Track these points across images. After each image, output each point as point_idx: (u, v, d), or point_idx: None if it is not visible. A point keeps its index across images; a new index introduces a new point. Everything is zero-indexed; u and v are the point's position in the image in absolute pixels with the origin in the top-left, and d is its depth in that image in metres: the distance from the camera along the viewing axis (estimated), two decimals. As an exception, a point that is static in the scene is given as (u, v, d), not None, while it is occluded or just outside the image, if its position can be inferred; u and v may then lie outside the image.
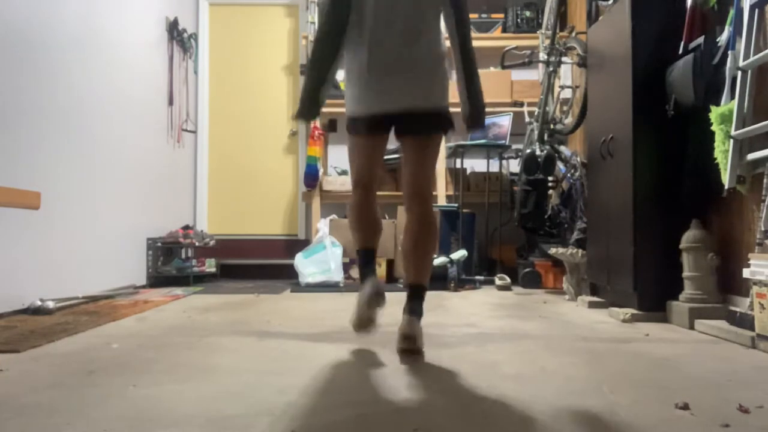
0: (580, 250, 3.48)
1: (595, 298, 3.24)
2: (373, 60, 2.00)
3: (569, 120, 4.06)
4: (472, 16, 5.29)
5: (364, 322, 2.06)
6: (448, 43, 2.12)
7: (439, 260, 4.12)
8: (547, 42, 4.29)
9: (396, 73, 2.00)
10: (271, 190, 5.51)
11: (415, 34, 2.01)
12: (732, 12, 2.47)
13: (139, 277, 4.22)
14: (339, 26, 2.02)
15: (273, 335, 2.38)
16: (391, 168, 4.76)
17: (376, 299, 2.04)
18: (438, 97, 2.06)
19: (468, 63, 2.07)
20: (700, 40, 2.59)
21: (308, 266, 4.38)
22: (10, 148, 2.82)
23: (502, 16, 5.29)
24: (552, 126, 4.21)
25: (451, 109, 2.10)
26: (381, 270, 4.43)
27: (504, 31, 5.25)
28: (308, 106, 2.08)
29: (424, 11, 2.03)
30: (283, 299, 3.63)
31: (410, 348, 1.92)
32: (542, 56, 4.33)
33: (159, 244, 4.45)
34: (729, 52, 2.43)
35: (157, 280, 4.36)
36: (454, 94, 2.09)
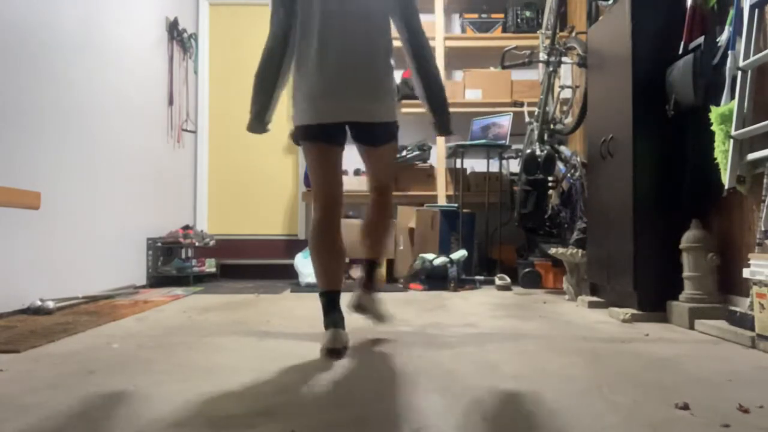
0: (580, 250, 3.47)
1: (595, 298, 3.24)
2: (323, 65, 2.03)
3: (569, 120, 4.07)
4: (473, 16, 5.32)
5: (339, 351, 1.98)
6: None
7: (439, 260, 4.12)
8: (547, 42, 4.29)
9: (345, 84, 2.04)
10: (271, 190, 5.51)
11: (368, 48, 2.07)
12: (732, 12, 2.47)
13: (139, 277, 4.22)
14: (282, 40, 2.09)
15: (273, 335, 2.38)
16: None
17: (335, 355, 1.94)
18: (389, 112, 2.12)
19: (425, 75, 2.14)
20: (700, 40, 2.59)
21: (308, 266, 4.36)
22: (10, 148, 2.82)
23: (502, 16, 5.29)
24: (552, 126, 4.21)
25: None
26: (381, 270, 4.43)
27: (504, 31, 5.25)
28: (256, 125, 2.22)
29: (372, 24, 2.08)
30: (283, 299, 3.63)
31: (357, 312, 2.22)
32: (542, 56, 4.33)
33: (159, 244, 4.45)
34: (729, 52, 2.43)
35: (157, 280, 4.36)
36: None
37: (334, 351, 1.95)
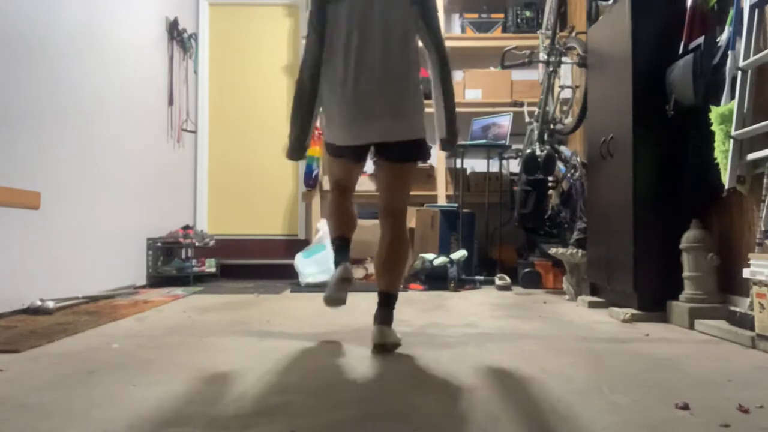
0: (580, 250, 3.47)
1: (595, 298, 3.24)
2: (347, 83, 2.06)
3: (569, 120, 4.06)
4: (473, 16, 5.32)
5: (335, 300, 2.18)
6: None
7: (439, 260, 4.12)
8: (547, 42, 4.29)
9: (374, 107, 2.06)
10: (271, 190, 5.51)
11: (392, 67, 2.07)
12: (732, 12, 2.47)
13: (139, 277, 4.22)
14: (316, 68, 2.12)
15: (273, 335, 2.38)
16: None
17: (343, 284, 2.18)
18: (416, 130, 2.13)
19: (447, 88, 2.16)
20: (700, 40, 2.59)
21: (308, 266, 4.38)
22: (10, 148, 2.82)
23: (502, 16, 5.29)
24: (552, 126, 4.21)
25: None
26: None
27: (504, 31, 5.25)
28: (297, 151, 2.21)
29: (397, 41, 2.09)
30: (283, 299, 3.64)
31: (382, 352, 2.06)
32: (542, 56, 4.33)
33: (159, 244, 4.45)
34: (729, 52, 2.43)
35: (157, 280, 4.36)
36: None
37: (344, 279, 2.17)
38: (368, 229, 4.34)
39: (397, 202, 2.22)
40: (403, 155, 2.16)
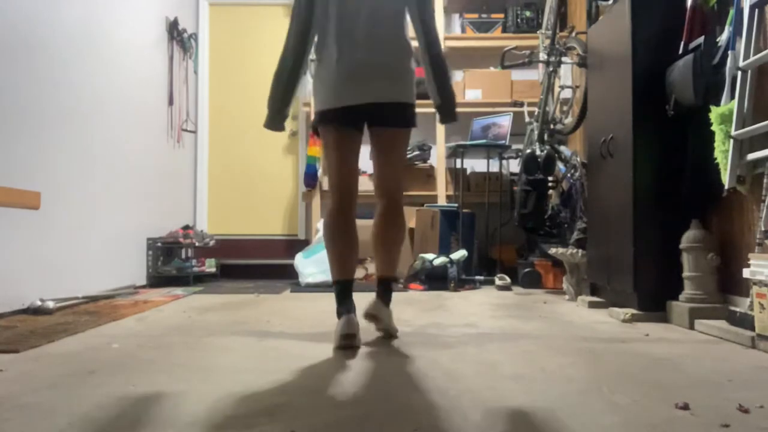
0: (580, 250, 3.47)
1: (595, 298, 3.24)
2: (343, 58, 2.08)
3: (569, 120, 4.06)
4: (473, 16, 5.32)
5: (347, 345, 2.05)
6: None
7: (439, 260, 4.12)
8: (547, 42, 4.28)
9: (365, 70, 2.08)
10: (271, 190, 5.51)
11: (386, 34, 2.12)
12: (732, 12, 2.47)
13: (139, 277, 4.22)
14: (303, 36, 2.14)
15: (273, 335, 2.38)
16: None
17: (347, 340, 2.04)
18: (408, 93, 2.16)
19: (435, 57, 2.16)
20: (700, 40, 2.59)
21: (308, 266, 4.38)
22: (10, 148, 2.82)
23: (502, 16, 5.29)
24: (552, 126, 4.21)
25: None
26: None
27: (504, 31, 5.25)
28: (274, 121, 2.20)
29: (392, 12, 2.14)
30: (283, 299, 3.63)
31: (371, 321, 2.10)
32: (542, 56, 4.33)
33: (159, 244, 4.45)
34: (729, 52, 2.43)
35: (157, 280, 4.36)
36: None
37: (348, 336, 2.02)
38: (368, 229, 4.34)
39: (393, 179, 2.20)
40: (397, 120, 2.16)
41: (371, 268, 4.46)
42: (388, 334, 2.22)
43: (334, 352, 2.02)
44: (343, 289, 2.16)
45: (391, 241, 2.21)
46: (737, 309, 2.33)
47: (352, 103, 2.11)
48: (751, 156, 2.32)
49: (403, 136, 2.24)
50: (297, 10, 2.18)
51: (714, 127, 2.44)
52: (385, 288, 2.19)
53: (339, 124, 2.16)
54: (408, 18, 2.21)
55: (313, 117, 2.24)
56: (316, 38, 2.20)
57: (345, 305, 2.13)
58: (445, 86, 2.19)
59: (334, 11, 2.11)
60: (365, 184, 4.81)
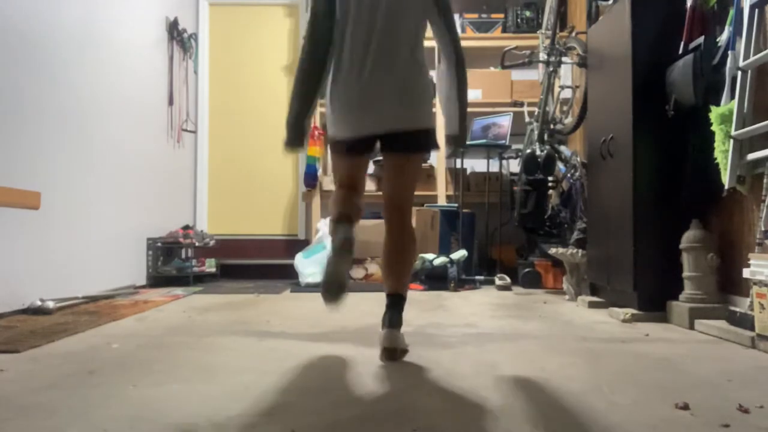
0: (580, 250, 3.47)
1: (595, 298, 3.24)
2: (357, 82, 1.96)
3: (569, 120, 4.07)
4: (473, 16, 5.32)
5: (334, 285, 1.87)
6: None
7: (439, 260, 4.12)
8: (547, 42, 4.29)
9: (380, 91, 1.96)
10: (271, 190, 5.51)
11: (400, 54, 1.98)
12: (732, 12, 2.48)
13: (139, 277, 4.22)
14: (321, 51, 2.01)
15: (273, 335, 2.38)
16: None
17: (343, 253, 1.89)
18: (425, 118, 2.04)
19: (461, 85, 2.07)
20: (700, 40, 2.59)
21: (308, 266, 4.38)
22: (10, 148, 2.82)
23: (502, 16, 5.29)
24: (552, 126, 4.21)
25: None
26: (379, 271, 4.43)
27: (504, 31, 5.25)
28: (296, 136, 2.07)
29: (407, 26, 2.00)
30: (283, 299, 3.64)
31: (392, 358, 1.92)
32: (542, 56, 4.33)
33: (159, 244, 4.45)
34: (729, 52, 2.44)
35: (157, 280, 4.36)
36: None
37: (345, 242, 1.89)
38: (368, 229, 4.35)
39: (404, 197, 2.10)
40: (411, 146, 2.04)
41: (371, 268, 4.47)
42: (404, 354, 2.01)
43: (324, 295, 1.88)
44: (344, 221, 1.98)
45: (404, 261, 2.10)
46: (737, 309, 2.33)
47: (365, 134, 2.00)
48: (751, 156, 2.32)
49: (418, 160, 2.13)
50: (314, 7, 2.04)
51: (714, 127, 2.44)
52: (394, 306, 2.02)
53: (352, 154, 2.07)
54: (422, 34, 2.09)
55: (328, 134, 2.13)
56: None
57: (345, 227, 1.95)
58: (464, 118, 2.09)
59: (350, 27, 1.99)
60: (367, 184, 4.84)
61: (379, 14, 1.98)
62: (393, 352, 1.92)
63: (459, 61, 2.07)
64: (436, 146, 2.09)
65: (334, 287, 1.87)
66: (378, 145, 2.06)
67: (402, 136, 2.00)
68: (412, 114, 2.00)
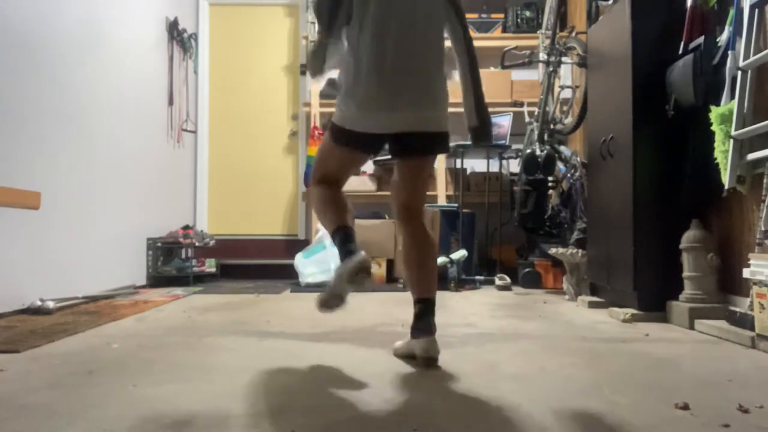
0: (580, 250, 3.47)
1: (595, 298, 3.24)
2: (379, 75, 1.86)
3: (569, 120, 4.06)
4: (473, 16, 5.31)
5: (335, 299, 1.84)
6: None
7: (439, 260, 4.12)
8: (547, 42, 4.29)
9: (403, 91, 1.89)
10: (271, 190, 5.51)
11: (425, 55, 1.93)
12: (732, 12, 2.48)
13: (139, 277, 4.22)
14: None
15: (273, 335, 2.38)
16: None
17: (360, 276, 1.81)
18: (443, 121, 1.98)
19: (476, 76, 2.02)
20: (700, 40, 2.59)
21: (308, 266, 4.38)
22: (10, 148, 2.82)
23: (502, 16, 5.29)
24: (552, 126, 4.21)
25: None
26: (381, 270, 4.44)
27: (504, 31, 5.25)
28: (316, 64, 1.96)
29: (430, 25, 1.95)
30: (283, 299, 3.64)
31: (432, 366, 1.86)
32: (542, 56, 4.33)
33: (159, 244, 4.45)
34: (729, 52, 2.44)
35: (157, 280, 4.36)
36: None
37: (362, 270, 1.80)
38: (368, 229, 4.35)
39: (419, 200, 2.05)
40: (429, 148, 1.99)
41: (372, 267, 4.46)
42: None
43: (319, 304, 1.86)
44: (345, 233, 1.91)
45: (429, 263, 2.03)
46: (737, 309, 2.33)
47: (380, 132, 1.92)
48: (751, 156, 2.32)
49: (431, 162, 2.10)
50: None
51: (714, 127, 2.44)
52: (427, 312, 1.94)
53: (357, 149, 1.98)
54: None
55: (333, 119, 1.99)
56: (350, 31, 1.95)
57: (350, 244, 1.87)
58: (484, 108, 2.01)
59: (372, 8, 1.89)
60: (366, 184, 4.84)
61: (402, 12, 1.90)
62: (434, 361, 1.86)
63: (470, 51, 2.01)
64: (448, 149, 2.08)
65: (335, 301, 1.84)
66: (386, 146, 1.99)
67: (421, 138, 1.94)
68: (433, 115, 1.95)
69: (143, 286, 4.19)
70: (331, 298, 1.84)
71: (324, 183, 2.02)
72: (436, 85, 1.95)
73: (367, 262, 1.83)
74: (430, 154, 2.04)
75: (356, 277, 1.80)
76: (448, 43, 2.05)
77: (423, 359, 1.86)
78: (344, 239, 1.90)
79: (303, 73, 5.41)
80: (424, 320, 1.92)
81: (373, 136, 1.93)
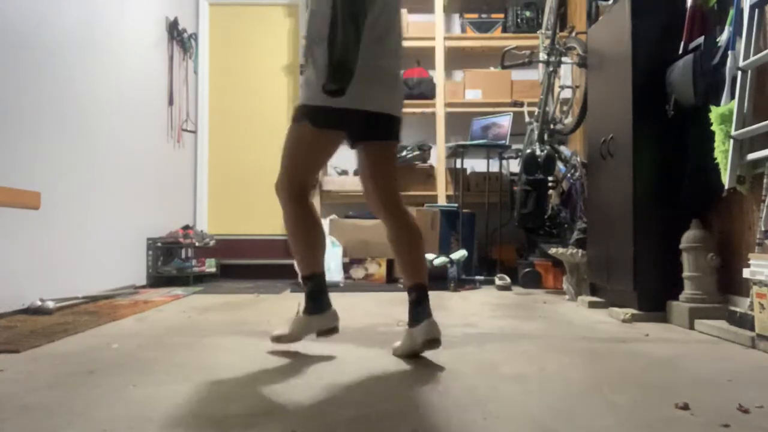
0: (580, 250, 3.47)
1: (595, 298, 3.24)
2: (364, 58, 1.82)
3: (569, 120, 4.07)
4: (473, 16, 5.32)
5: (289, 339, 2.02)
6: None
7: (439, 260, 4.12)
8: (547, 42, 4.29)
9: (381, 74, 1.96)
10: (271, 190, 5.45)
11: (395, 40, 2.02)
12: (732, 12, 2.47)
13: (139, 277, 4.22)
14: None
15: (273, 335, 2.38)
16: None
17: (330, 333, 2.02)
18: (401, 107, 2.09)
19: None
20: (700, 40, 2.59)
21: (308, 266, 4.37)
22: (10, 148, 2.82)
23: (502, 16, 5.29)
24: (552, 126, 4.22)
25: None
26: (381, 270, 4.44)
27: (504, 31, 5.25)
28: (345, 72, 1.76)
29: (399, 16, 2.07)
30: (283, 299, 3.63)
31: (435, 347, 1.91)
32: (542, 56, 4.33)
33: (159, 244, 4.45)
34: (729, 52, 2.43)
35: (157, 280, 4.36)
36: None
37: (334, 329, 2.01)
38: (368, 229, 4.35)
39: (394, 190, 2.08)
40: (393, 132, 2.06)
41: (371, 268, 4.46)
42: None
43: (273, 339, 2.04)
44: (317, 284, 2.02)
45: (418, 251, 2.06)
46: (737, 309, 2.33)
47: (361, 108, 1.91)
48: (751, 156, 2.32)
49: (394, 149, 2.15)
50: None
51: (714, 127, 2.44)
52: (421, 298, 1.97)
53: (334, 127, 1.96)
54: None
55: (309, 102, 1.96)
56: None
57: (322, 300, 2.01)
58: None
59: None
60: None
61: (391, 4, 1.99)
62: (437, 342, 1.89)
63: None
64: (400, 137, 2.13)
65: (288, 340, 2.02)
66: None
67: (385, 122, 2.00)
68: (399, 100, 2.06)
69: (143, 286, 4.19)
70: (286, 338, 2.02)
71: (297, 195, 2.10)
72: (399, 73, 2.10)
73: (337, 321, 2.02)
74: (395, 139, 2.09)
75: (326, 333, 1.99)
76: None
77: (426, 342, 1.87)
78: (317, 290, 2.02)
79: (302, 73, 5.41)
80: (420, 307, 1.95)
81: (353, 113, 1.91)
